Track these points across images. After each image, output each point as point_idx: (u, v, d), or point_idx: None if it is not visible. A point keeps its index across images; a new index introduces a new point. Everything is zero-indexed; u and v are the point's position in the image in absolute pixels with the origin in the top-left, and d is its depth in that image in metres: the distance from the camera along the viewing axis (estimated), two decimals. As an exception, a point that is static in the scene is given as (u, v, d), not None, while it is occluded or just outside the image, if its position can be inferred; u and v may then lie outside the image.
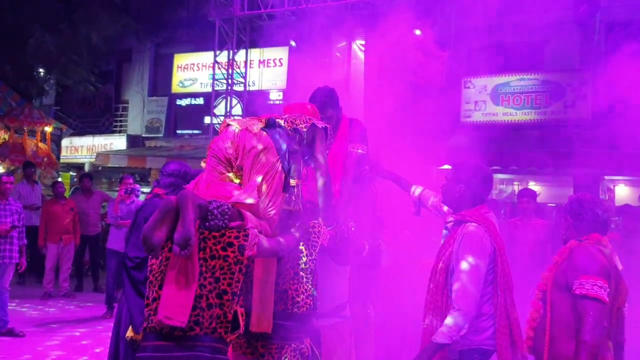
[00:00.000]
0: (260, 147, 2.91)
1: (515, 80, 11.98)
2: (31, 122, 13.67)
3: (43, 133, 14.07)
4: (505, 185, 13.70)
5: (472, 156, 10.49)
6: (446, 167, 11.90)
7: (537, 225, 6.91)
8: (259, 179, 2.86)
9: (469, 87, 12.41)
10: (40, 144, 13.83)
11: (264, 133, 2.97)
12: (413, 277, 6.56)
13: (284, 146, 2.99)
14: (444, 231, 3.49)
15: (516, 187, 13.01)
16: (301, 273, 3.09)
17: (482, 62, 12.99)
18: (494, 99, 12.13)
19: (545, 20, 11.57)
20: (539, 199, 7.96)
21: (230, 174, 2.95)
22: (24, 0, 13.46)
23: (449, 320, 3.07)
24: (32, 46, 13.47)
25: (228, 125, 3.06)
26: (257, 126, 3.00)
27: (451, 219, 3.42)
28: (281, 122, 3.12)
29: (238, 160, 2.92)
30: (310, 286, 3.11)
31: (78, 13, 13.92)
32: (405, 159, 12.95)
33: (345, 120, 3.98)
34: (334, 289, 3.62)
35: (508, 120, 12.00)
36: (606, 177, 11.72)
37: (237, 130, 2.98)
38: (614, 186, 12.20)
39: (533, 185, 12.06)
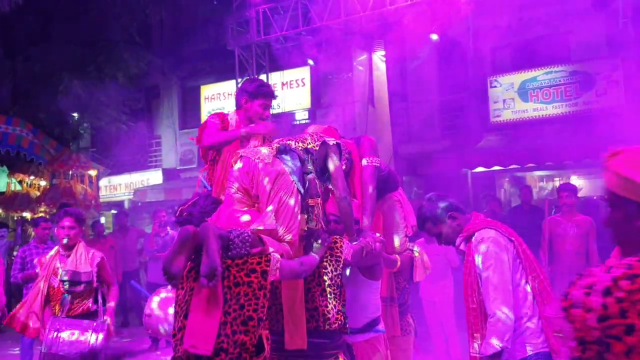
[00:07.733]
0: (274, 173, 2.95)
1: (542, 74, 11.72)
2: (79, 166, 14.07)
3: (89, 177, 14.46)
4: (545, 182, 13.39)
5: (494, 160, 10.19)
6: (480, 169, 11.71)
7: (580, 221, 6.57)
8: (276, 203, 2.88)
9: (495, 86, 12.21)
10: (87, 187, 14.19)
11: (276, 159, 2.99)
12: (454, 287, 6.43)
13: (297, 169, 3.01)
14: (461, 256, 3.47)
15: (557, 183, 12.71)
16: (328, 289, 3.07)
17: (506, 60, 12.80)
18: (522, 95, 11.89)
19: (567, 10, 11.35)
20: (581, 193, 7.65)
21: (248, 203, 2.98)
22: (51, 49, 13.86)
23: (489, 331, 3.00)
24: (62, 92, 13.82)
25: (241, 156, 3.09)
26: (268, 153, 3.02)
27: (459, 241, 3.36)
28: (292, 144, 3.13)
29: (254, 189, 2.96)
30: (338, 302, 3.08)
31: (102, 55, 14.26)
32: (438, 165, 12.73)
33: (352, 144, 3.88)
34: (366, 304, 3.56)
35: (539, 116, 11.75)
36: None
37: (250, 161, 3.01)
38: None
39: (575, 179, 11.73)
